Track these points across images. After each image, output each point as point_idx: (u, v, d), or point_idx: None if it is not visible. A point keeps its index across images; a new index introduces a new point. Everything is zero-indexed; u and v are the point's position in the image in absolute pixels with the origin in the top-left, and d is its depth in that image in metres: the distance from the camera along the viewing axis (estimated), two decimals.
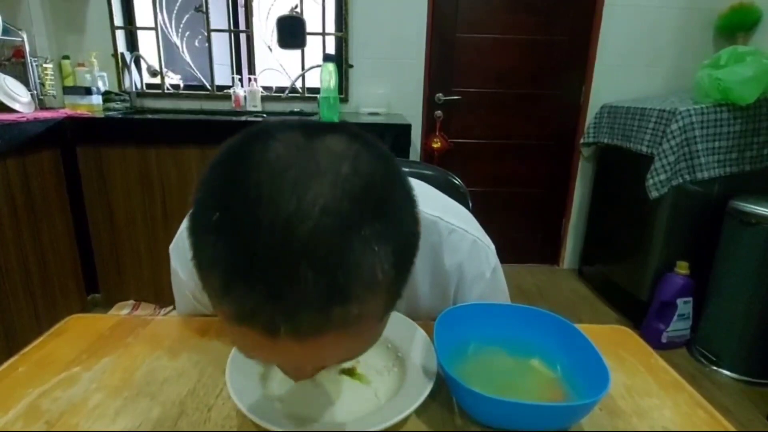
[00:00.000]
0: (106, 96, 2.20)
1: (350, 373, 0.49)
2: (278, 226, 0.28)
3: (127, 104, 2.30)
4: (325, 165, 0.30)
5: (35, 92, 2.07)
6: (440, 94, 2.47)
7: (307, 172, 0.30)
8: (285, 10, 2.26)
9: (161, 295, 2.06)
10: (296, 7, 2.31)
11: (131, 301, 2.08)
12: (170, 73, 2.47)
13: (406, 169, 1.07)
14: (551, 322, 0.51)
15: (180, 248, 0.62)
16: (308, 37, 2.25)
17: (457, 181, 1.03)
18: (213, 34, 2.36)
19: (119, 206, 1.95)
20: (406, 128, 1.90)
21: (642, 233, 2.02)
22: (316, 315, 0.29)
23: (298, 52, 2.37)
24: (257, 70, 2.48)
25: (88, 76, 2.18)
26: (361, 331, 0.34)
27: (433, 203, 0.64)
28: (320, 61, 2.06)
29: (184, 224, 0.60)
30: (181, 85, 2.46)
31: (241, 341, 0.35)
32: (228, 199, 0.30)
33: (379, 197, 0.32)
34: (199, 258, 0.32)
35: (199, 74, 2.49)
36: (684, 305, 1.87)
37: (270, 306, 0.29)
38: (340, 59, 2.33)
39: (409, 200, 0.36)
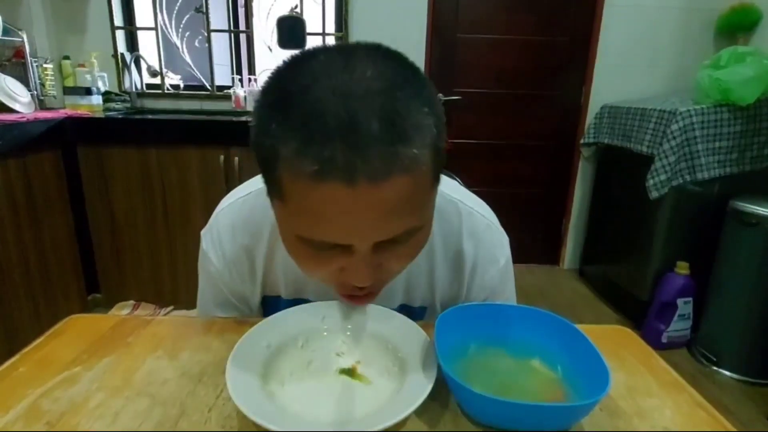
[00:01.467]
0: (107, 96, 2.21)
1: (350, 373, 0.49)
2: (338, 92, 0.36)
3: (128, 104, 2.30)
4: (363, 54, 0.39)
5: (35, 92, 2.07)
6: (440, 95, 2.47)
7: (350, 61, 0.38)
8: (285, 11, 2.26)
9: (161, 295, 2.06)
10: (296, 7, 2.31)
11: (132, 301, 2.08)
12: (170, 74, 2.48)
13: None
14: (552, 323, 0.51)
15: (213, 230, 0.62)
16: (308, 38, 2.25)
17: (457, 181, 1.03)
18: (213, 34, 2.36)
19: (120, 206, 1.95)
20: None
21: (642, 233, 2.02)
22: (385, 152, 0.36)
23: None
24: (257, 70, 2.48)
25: (88, 76, 2.18)
26: (420, 186, 0.40)
27: (452, 187, 0.65)
28: None
29: (218, 209, 0.63)
30: (181, 86, 2.46)
31: (316, 218, 0.39)
32: (290, 84, 0.39)
33: (412, 70, 0.41)
34: (270, 134, 0.38)
35: (199, 74, 2.49)
36: (684, 305, 1.87)
37: (346, 150, 0.35)
38: None
39: (430, 82, 0.42)
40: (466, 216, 0.62)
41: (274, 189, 0.42)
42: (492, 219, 0.65)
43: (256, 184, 0.61)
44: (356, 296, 0.50)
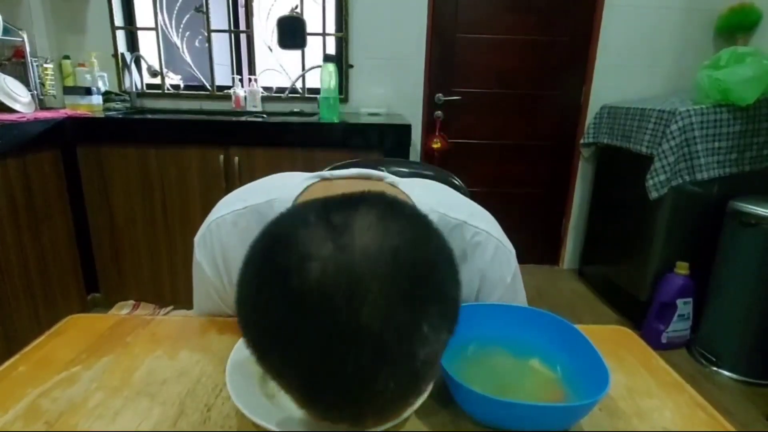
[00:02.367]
0: (107, 96, 2.20)
1: None
2: (346, 336, 0.28)
3: (128, 104, 2.30)
4: (365, 267, 0.29)
5: (35, 92, 2.07)
6: (440, 95, 2.48)
7: (351, 279, 0.29)
8: (285, 11, 2.26)
9: (161, 294, 2.06)
10: (296, 7, 2.31)
11: (131, 301, 2.08)
12: (170, 74, 2.48)
13: (406, 170, 1.08)
14: (551, 323, 0.51)
15: (207, 241, 0.60)
16: (308, 38, 2.25)
17: (457, 181, 1.03)
18: (213, 34, 2.36)
19: (119, 206, 1.95)
20: (406, 128, 1.90)
21: (642, 234, 2.02)
22: (399, 407, 0.34)
23: (299, 52, 2.37)
24: (257, 70, 2.48)
25: (88, 76, 2.18)
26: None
27: (456, 206, 0.63)
28: (320, 62, 2.06)
29: (212, 217, 0.61)
30: (182, 86, 2.46)
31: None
32: (283, 313, 0.30)
33: (428, 281, 0.31)
34: (270, 371, 0.32)
35: (199, 74, 2.49)
36: (684, 305, 1.87)
37: (355, 408, 0.31)
38: (340, 59, 2.33)
39: (450, 266, 0.35)
40: (469, 238, 0.60)
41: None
42: (498, 235, 0.63)
43: (252, 195, 0.60)
44: None
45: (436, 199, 0.62)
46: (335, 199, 0.34)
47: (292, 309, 0.29)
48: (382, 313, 0.28)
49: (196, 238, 0.63)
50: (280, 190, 0.58)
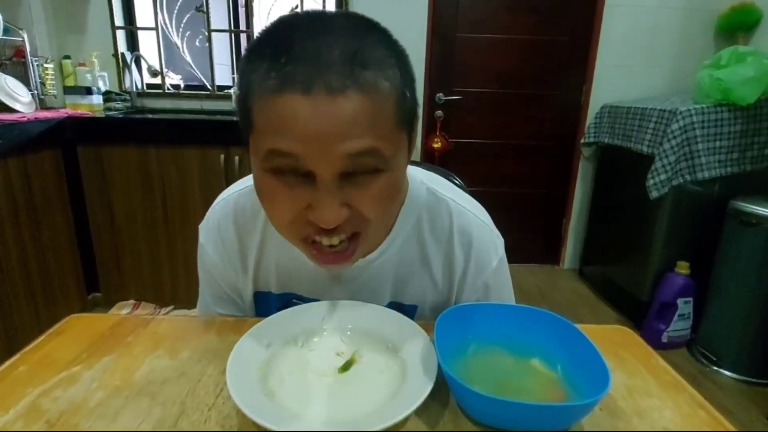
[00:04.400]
0: (107, 96, 2.21)
1: (348, 365, 0.49)
2: (309, 31, 0.41)
3: (128, 104, 2.30)
4: (340, 13, 0.47)
5: (36, 92, 2.07)
6: (441, 94, 2.47)
7: (326, 15, 0.45)
8: (285, 10, 2.26)
9: (161, 294, 2.06)
10: (296, 7, 2.31)
11: (131, 301, 2.08)
12: (171, 73, 2.48)
13: None
14: (552, 322, 0.51)
15: (210, 225, 0.64)
16: None
17: (457, 181, 1.03)
18: (213, 34, 2.36)
19: (120, 206, 1.95)
20: None
21: (642, 233, 2.01)
22: (342, 70, 0.39)
23: None
24: None
25: (88, 75, 2.18)
26: (380, 113, 0.42)
27: (447, 187, 0.65)
28: None
29: (215, 203, 0.66)
30: (182, 85, 2.46)
31: (279, 131, 0.42)
32: (270, 33, 0.44)
33: (385, 34, 0.46)
34: (245, 71, 0.43)
35: (199, 74, 2.49)
36: (684, 305, 1.87)
37: (306, 67, 0.39)
38: None
39: (402, 49, 0.47)
40: (457, 214, 0.61)
41: (247, 127, 0.46)
42: (485, 219, 0.64)
43: (252, 180, 0.62)
44: (329, 254, 0.49)
45: (426, 176, 0.64)
46: None
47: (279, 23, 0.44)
48: (349, 23, 0.43)
49: (201, 224, 0.66)
50: None
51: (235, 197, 0.64)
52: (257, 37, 0.45)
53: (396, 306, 0.63)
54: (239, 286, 0.66)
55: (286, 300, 0.64)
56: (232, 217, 0.63)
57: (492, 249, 0.63)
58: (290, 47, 0.40)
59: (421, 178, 0.62)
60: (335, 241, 0.48)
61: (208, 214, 0.66)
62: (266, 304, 0.65)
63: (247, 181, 0.64)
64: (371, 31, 0.44)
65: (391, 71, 0.43)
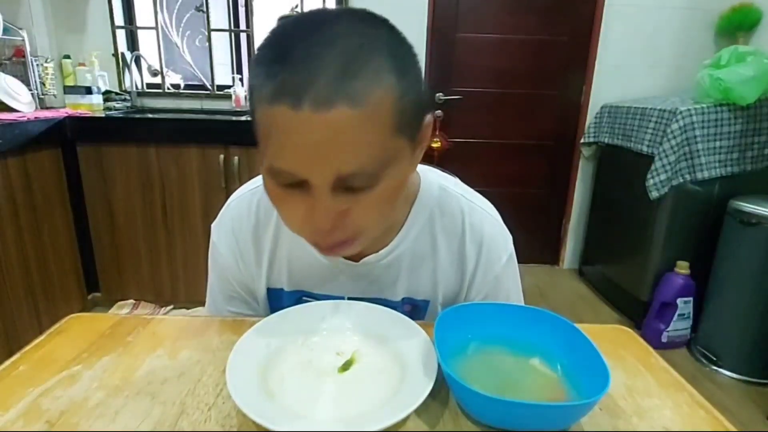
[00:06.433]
0: (107, 95, 2.21)
1: (348, 364, 0.49)
2: (309, 38, 0.40)
3: (128, 104, 2.30)
4: (345, 14, 0.44)
5: (36, 92, 2.07)
6: (440, 94, 2.47)
7: (330, 18, 0.43)
8: (285, 10, 2.26)
9: (161, 294, 2.06)
10: (297, 6, 2.31)
11: (131, 301, 2.08)
12: (171, 73, 2.47)
13: None
14: (552, 322, 0.51)
15: (224, 223, 0.65)
16: None
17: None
18: (213, 33, 2.36)
19: (119, 205, 1.95)
20: None
21: (642, 233, 2.01)
22: (331, 82, 0.38)
23: None
24: None
25: (88, 75, 2.18)
26: (372, 127, 0.41)
27: (454, 182, 0.66)
28: None
29: (229, 201, 0.66)
30: (182, 85, 2.46)
31: (273, 143, 0.42)
32: (275, 36, 0.43)
33: (391, 33, 0.44)
34: (253, 71, 0.43)
35: (199, 74, 2.49)
36: (684, 305, 1.87)
37: (297, 77, 0.39)
38: None
39: (410, 48, 0.46)
40: (468, 211, 0.62)
41: (253, 128, 0.46)
42: (495, 215, 0.65)
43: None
44: (326, 245, 0.50)
45: (437, 173, 0.66)
46: None
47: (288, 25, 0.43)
48: (350, 27, 0.42)
49: (213, 223, 0.67)
50: None
51: (248, 195, 0.65)
52: (264, 37, 0.44)
53: (408, 301, 0.64)
54: (252, 284, 0.66)
55: (297, 297, 0.64)
56: (246, 214, 0.64)
57: (502, 244, 0.64)
58: (285, 55, 0.40)
59: (432, 175, 0.64)
60: (329, 240, 0.49)
61: (221, 212, 0.66)
62: (278, 301, 0.66)
63: (261, 179, 0.64)
64: (374, 31, 0.43)
65: (387, 76, 0.41)
